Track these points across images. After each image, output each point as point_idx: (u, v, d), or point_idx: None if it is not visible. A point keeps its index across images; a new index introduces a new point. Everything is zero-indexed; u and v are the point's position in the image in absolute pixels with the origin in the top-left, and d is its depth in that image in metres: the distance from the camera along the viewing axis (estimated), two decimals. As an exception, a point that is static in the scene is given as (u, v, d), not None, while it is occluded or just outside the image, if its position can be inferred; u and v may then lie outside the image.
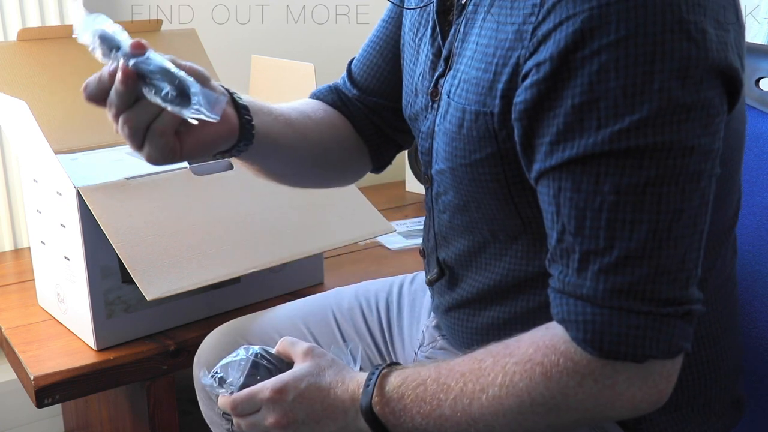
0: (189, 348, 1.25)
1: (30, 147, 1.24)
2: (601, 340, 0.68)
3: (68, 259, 1.21)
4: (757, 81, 1.05)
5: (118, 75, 0.73)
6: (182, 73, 0.73)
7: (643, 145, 0.66)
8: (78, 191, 1.15)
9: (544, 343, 0.71)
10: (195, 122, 0.73)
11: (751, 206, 1.01)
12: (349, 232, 1.35)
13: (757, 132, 1.02)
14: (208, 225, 1.22)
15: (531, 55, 0.70)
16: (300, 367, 0.83)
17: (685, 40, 0.66)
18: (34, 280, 1.38)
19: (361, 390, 0.79)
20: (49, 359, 1.19)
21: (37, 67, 1.43)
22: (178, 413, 1.31)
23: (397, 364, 0.81)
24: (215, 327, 1.20)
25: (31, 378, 1.15)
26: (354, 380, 0.80)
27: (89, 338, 1.22)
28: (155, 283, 1.13)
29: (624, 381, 0.69)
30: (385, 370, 0.79)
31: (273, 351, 0.88)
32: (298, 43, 1.99)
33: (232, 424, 1.14)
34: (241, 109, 0.85)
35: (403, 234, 1.71)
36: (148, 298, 1.11)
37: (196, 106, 0.72)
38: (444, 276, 0.93)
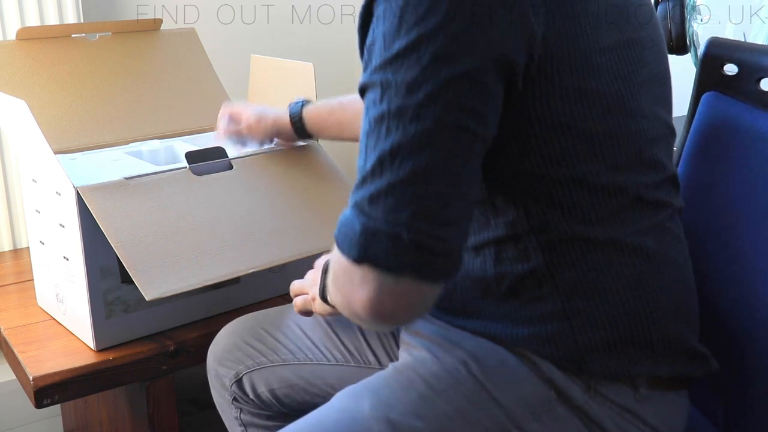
0: (188, 348, 1.25)
1: (29, 147, 1.24)
2: (338, 234, 0.77)
3: (67, 259, 1.21)
4: (758, 81, 1.04)
5: None
6: None
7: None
8: (77, 191, 1.15)
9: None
10: None
11: (753, 206, 1.01)
12: (349, 232, 1.35)
13: (758, 132, 1.02)
14: (208, 225, 1.22)
15: None
16: None
17: None
18: (33, 280, 1.37)
19: None
20: (49, 359, 1.19)
21: (36, 67, 1.43)
22: (178, 413, 1.31)
23: None
24: (215, 327, 1.20)
25: (30, 378, 1.15)
26: None
27: (88, 338, 1.22)
28: (154, 283, 1.13)
29: (356, 278, 0.76)
30: None
31: None
32: (299, 43, 1.99)
33: (241, 411, 1.16)
34: (296, 122, 1.33)
35: (403, 234, 1.71)
36: (148, 298, 1.11)
37: None
38: None
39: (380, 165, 0.74)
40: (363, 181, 0.75)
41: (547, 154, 0.81)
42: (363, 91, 0.78)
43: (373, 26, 0.78)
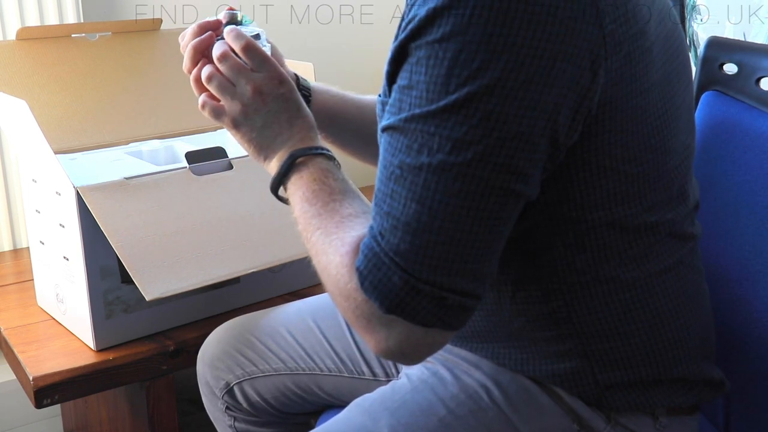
0: (188, 348, 1.25)
1: (29, 147, 1.24)
2: (365, 273, 0.73)
3: (67, 259, 1.21)
4: (758, 80, 1.05)
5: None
6: None
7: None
8: (77, 191, 1.15)
9: (350, 260, 0.75)
10: None
11: (752, 206, 1.01)
12: (349, 232, 1.35)
13: (758, 132, 1.02)
14: (208, 225, 1.22)
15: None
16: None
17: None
18: (33, 280, 1.37)
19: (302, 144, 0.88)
20: (49, 359, 1.19)
21: (36, 67, 1.43)
22: (178, 413, 1.31)
23: (321, 156, 0.87)
24: (215, 327, 1.20)
25: (30, 378, 1.15)
26: (309, 132, 0.89)
27: (88, 338, 1.22)
28: (154, 283, 1.13)
29: (376, 320, 0.74)
30: (303, 159, 0.87)
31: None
32: (299, 43, 1.99)
33: (235, 420, 1.15)
34: (301, 86, 1.06)
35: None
36: (148, 298, 1.11)
37: None
38: None
39: (417, 220, 0.71)
40: (395, 228, 0.72)
41: (587, 198, 0.78)
42: (389, 130, 0.74)
43: (410, 68, 0.72)
